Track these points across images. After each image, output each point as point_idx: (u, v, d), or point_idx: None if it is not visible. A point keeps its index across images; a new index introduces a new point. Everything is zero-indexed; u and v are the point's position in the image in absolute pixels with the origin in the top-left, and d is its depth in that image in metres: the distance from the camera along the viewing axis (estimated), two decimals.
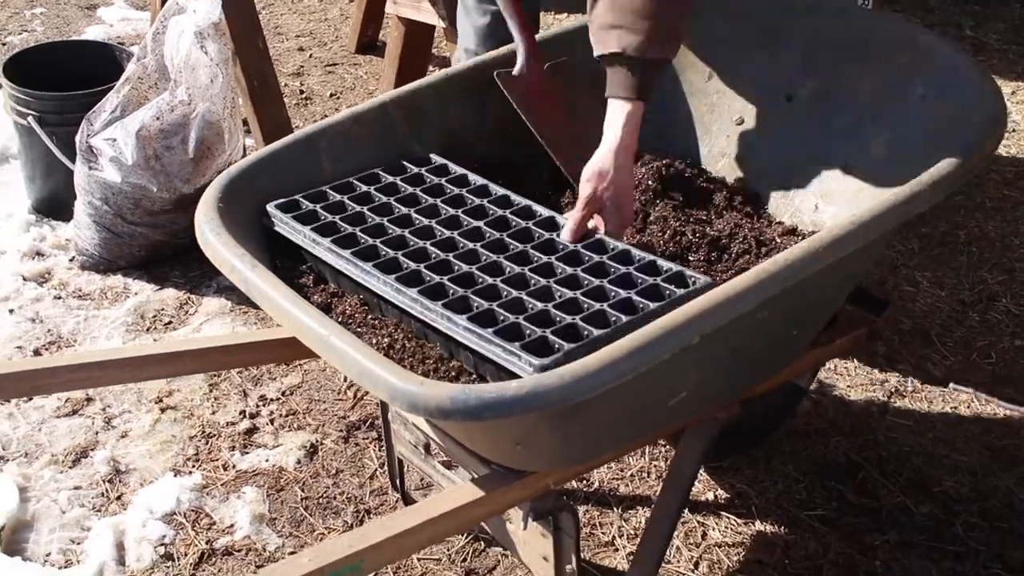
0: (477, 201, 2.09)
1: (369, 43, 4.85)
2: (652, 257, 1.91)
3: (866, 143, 2.22)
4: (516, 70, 2.29)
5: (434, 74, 2.33)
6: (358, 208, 2.04)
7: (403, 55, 3.88)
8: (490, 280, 1.85)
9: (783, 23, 2.37)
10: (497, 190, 2.11)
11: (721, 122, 2.42)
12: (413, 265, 1.88)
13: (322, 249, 1.93)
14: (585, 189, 1.99)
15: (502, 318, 1.74)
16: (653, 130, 2.40)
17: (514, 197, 2.10)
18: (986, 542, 2.47)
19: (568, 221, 2.00)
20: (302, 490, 2.60)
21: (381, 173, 2.15)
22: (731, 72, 2.42)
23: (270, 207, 2.02)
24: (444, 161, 2.20)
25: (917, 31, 2.26)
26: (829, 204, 2.24)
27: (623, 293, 1.81)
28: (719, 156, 2.41)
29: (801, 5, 2.37)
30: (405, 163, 2.19)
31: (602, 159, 2.00)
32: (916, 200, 1.88)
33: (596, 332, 1.70)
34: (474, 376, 1.74)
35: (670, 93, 2.46)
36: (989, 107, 2.06)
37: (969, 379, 2.93)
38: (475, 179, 2.15)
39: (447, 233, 1.98)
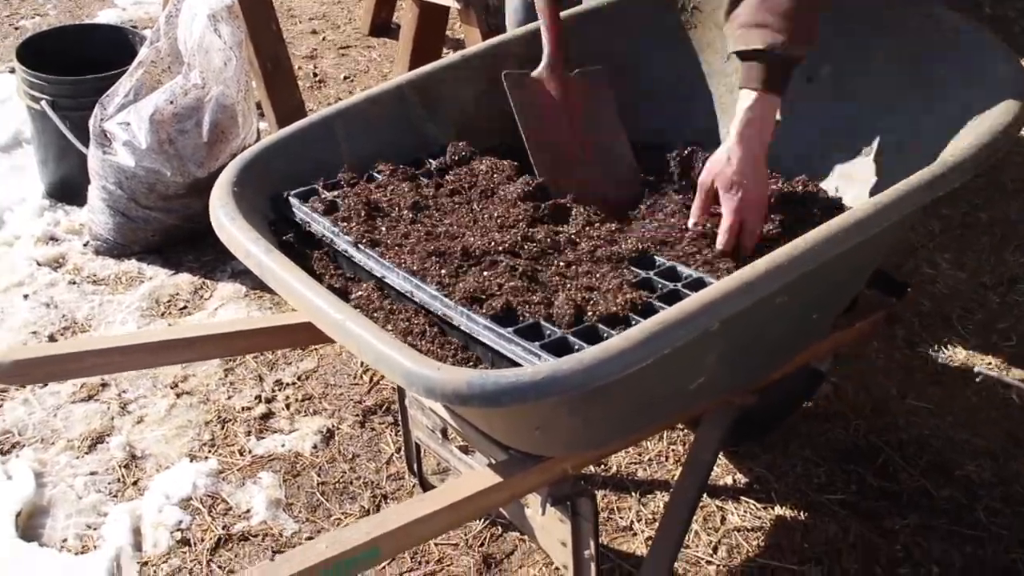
0: None
1: (383, 25, 4.83)
2: (673, 263, 1.90)
3: (889, 124, 2.19)
4: (535, 72, 2.24)
5: (450, 56, 2.31)
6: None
7: (417, 37, 3.86)
8: None
9: None
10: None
11: None
12: None
13: (343, 241, 1.91)
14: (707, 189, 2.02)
15: (523, 318, 1.72)
16: (672, 112, 2.39)
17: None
18: (1008, 527, 2.44)
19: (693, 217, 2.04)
20: (318, 475, 2.59)
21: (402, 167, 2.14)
22: None
23: (291, 197, 2.01)
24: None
25: (941, 11, 2.22)
26: (850, 186, 2.21)
27: (644, 296, 1.79)
28: None
29: None
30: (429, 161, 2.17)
31: (729, 158, 2.00)
32: (939, 182, 1.85)
33: (615, 334, 1.68)
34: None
35: (688, 75, 2.43)
36: (1014, 87, 2.03)
37: (990, 362, 2.91)
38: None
39: None
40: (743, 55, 2.01)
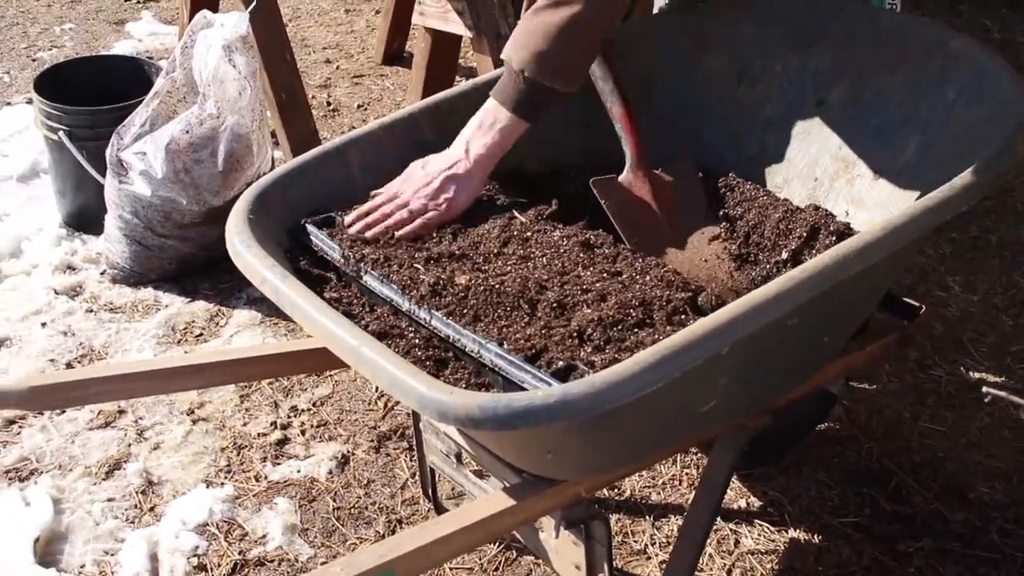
0: None
1: (396, 54, 4.86)
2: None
3: (897, 148, 2.20)
4: (621, 177, 2.21)
5: (462, 84, 2.33)
6: None
7: (430, 66, 3.88)
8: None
9: (812, 27, 2.36)
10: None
11: (751, 127, 2.41)
12: None
13: (357, 266, 1.93)
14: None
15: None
16: (684, 138, 2.41)
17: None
18: (1022, 548, 2.44)
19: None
20: (334, 500, 2.60)
21: None
22: (760, 77, 2.41)
23: (308, 224, 2.02)
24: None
25: (948, 34, 2.24)
26: (860, 209, 2.22)
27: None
28: (749, 162, 2.40)
29: (829, 9, 2.36)
30: None
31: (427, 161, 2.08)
32: (948, 205, 1.86)
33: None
34: None
35: (699, 99, 2.45)
36: (1021, 110, 2.04)
37: (1003, 385, 2.91)
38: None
39: None
40: (503, 61, 2.04)
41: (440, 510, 2.52)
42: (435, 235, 2.01)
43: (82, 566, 2.44)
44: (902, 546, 2.45)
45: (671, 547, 2.26)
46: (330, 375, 2.99)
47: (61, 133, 3.40)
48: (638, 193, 2.21)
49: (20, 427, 2.82)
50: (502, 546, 2.46)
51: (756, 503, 2.58)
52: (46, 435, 2.79)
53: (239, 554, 2.46)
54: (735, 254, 2.18)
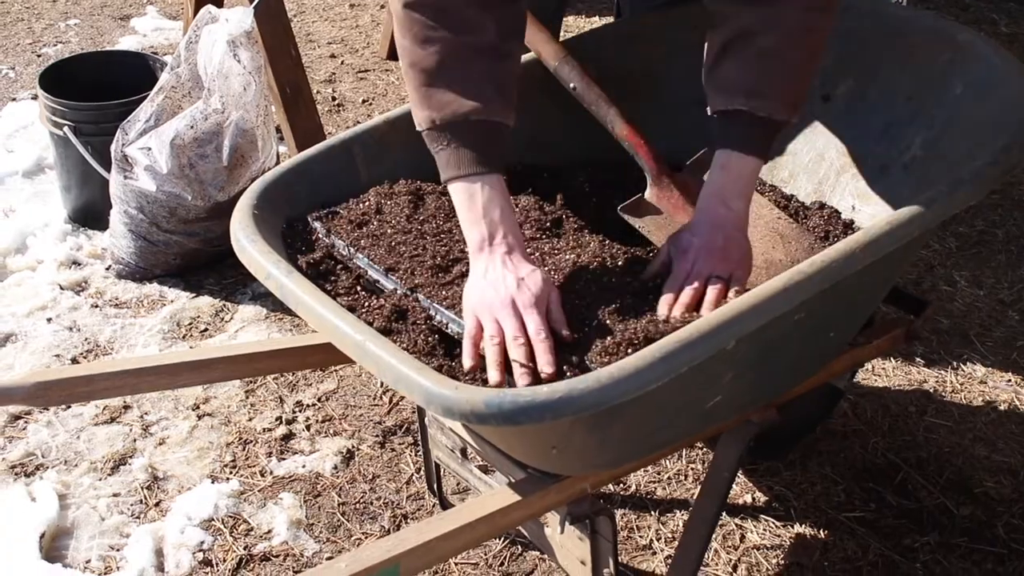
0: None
1: None
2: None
3: (904, 142, 2.19)
4: (647, 193, 2.11)
5: None
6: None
7: None
8: None
9: None
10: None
11: None
12: None
13: (361, 261, 1.93)
14: (681, 264, 1.82)
15: None
16: (686, 127, 2.40)
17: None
18: None
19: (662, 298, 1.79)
20: (339, 496, 2.60)
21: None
22: None
23: (313, 219, 2.02)
24: None
25: (955, 28, 2.24)
26: (866, 204, 2.22)
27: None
28: None
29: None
30: None
31: (708, 225, 1.83)
32: (954, 199, 1.86)
33: None
34: None
35: (702, 92, 2.44)
36: None
37: (1010, 380, 2.90)
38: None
39: None
40: (721, 114, 1.88)
41: (445, 505, 2.52)
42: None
43: (87, 561, 2.44)
44: (908, 541, 2.45)
45: (677, 542, 2.26)
46: (335, 370, 2.99)
47: (66, 128, 3.40)
48: (668, 203, 2.12)
49: (26, 423, 2.82)
50: (507, 541, 2.46)
51: (762, 498, 2.57)
52: (51, 430, 2.79)
53: (244, 549, 2.46)
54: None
